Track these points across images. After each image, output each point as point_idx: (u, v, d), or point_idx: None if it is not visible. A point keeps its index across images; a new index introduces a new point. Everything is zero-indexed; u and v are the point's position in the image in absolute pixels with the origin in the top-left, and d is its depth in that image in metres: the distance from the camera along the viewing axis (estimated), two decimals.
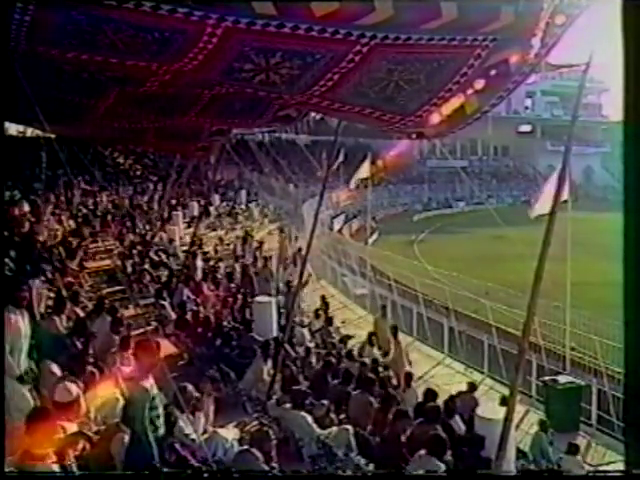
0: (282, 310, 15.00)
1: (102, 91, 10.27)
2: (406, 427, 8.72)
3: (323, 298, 18.72)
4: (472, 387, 12.65)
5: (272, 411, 9.51)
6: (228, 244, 24.31)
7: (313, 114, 24.50)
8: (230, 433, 7.99)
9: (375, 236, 45.08)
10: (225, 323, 13.77)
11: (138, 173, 32.01)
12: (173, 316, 13.72)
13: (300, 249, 21.92)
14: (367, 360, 12.80)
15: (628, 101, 3.26)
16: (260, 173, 40.57)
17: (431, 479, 6.85)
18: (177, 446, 6.71)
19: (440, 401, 10.12)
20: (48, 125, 10.08)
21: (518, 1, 6.36)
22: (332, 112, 9.51)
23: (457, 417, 10.05)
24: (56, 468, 5.31)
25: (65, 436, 5.89)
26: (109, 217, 20.85)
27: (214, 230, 26.44)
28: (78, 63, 7.65)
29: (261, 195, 37.30)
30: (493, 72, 7.60)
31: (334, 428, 8.72)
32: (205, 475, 6.54)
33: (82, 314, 11.58)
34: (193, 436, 7.29)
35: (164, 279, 16.42)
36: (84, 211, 20.85)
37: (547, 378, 14.95)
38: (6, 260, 11.69)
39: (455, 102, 8.12)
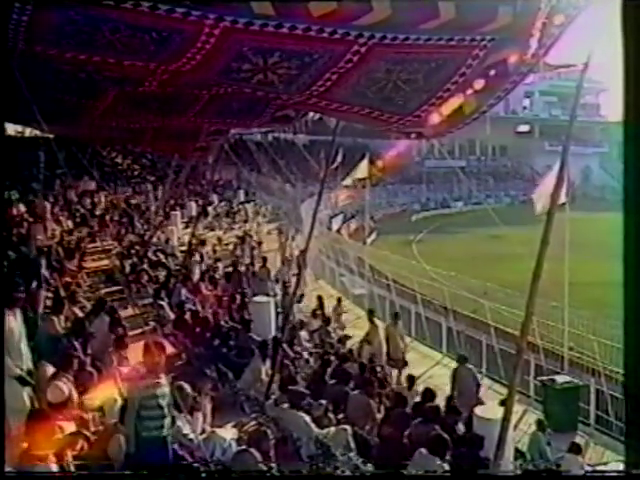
0: (279, 310, 15.01)
1: (100, 91, 10.27)
2: (407, 427, 8.74)
3: (320, 298, 18.71)
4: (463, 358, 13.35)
5: (270, 411, 9.50)
6: (227, 244, 24.31)
7: (311, 114, 24.51)
8: (228, 433, 7.98)
9: (373, 236, 45.07)
10: (223, 323, 13.76)
11: (136, 173, 32.03)
12: (171, 316, 13.71)
13: (303, 252, 21.94)
14: (365, 360, 12.83)
15: (628, 101, 3.25)
16: (258, 173, 40.57)
17: (431, 479, 6.85)
18: (175, 446, 6.70)
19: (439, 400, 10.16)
20: (46, 125, 10.07)
21: (516, 2, 6.37)
22: (330, 112, 9.52)
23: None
24: (55, 468, 5.31)
25: (63, 436, 5.89)
26: (107, 217, 20.86)
27: (212, 230, 26.44)
28: (76, 63, 7.65)
29: (259, 195, 37.29)
30: (491, 72, 7.61)
31: (332, 428, 8.73)
32: (203, 475, 6.53)
33: (80, 314, 11.58)
34: (191, 436, 7.29)
35: (162, 279, 16.41)
36: (82, 211, 20.85)
37: (545, 378, 14.96)
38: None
39: (455, 102, 8.14)
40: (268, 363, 11.28)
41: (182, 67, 7.09)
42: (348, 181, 29.47)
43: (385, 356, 14.68)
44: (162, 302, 14.32)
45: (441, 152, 62.06)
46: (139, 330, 12.40)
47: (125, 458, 6.21)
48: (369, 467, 7.96)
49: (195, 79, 8.15)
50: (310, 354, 13.34)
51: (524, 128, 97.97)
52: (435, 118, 8.47)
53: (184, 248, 19.63)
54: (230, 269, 19.30)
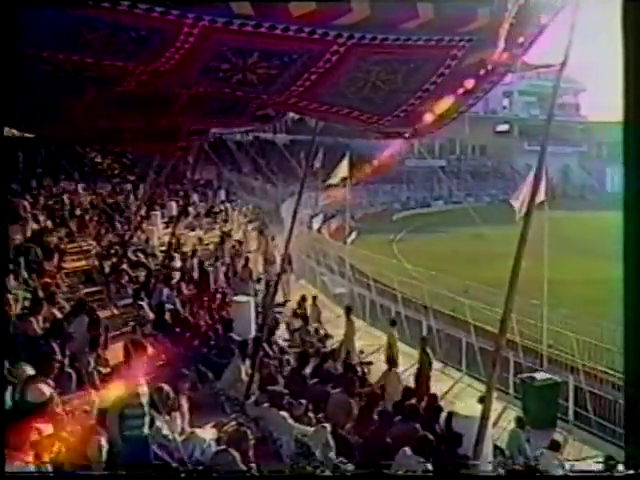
0: (260, 309, 15.02)
1: (79, 91, 10.19)
2: (390, 426, 8.77)
3: (303, 298, 18.73)
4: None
5: (250, 411, 9.50)
6: (207, 244, 24.26)
7: (292, 114, 24.51)
8: (208, 433, 7.97)
9: (354, 235, 45.13)
10: (203, 323, 13.74)
11: (116, 173, 31.86)
12: (151, 316, 13.67)
13: (288, 255, 21.96)
14: (346, 359, 12.88)
15: (628, 101, 3.27)
16: (239, 173, 40.52)
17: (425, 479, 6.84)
18: (154, 447, 6.68)
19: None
20: (25, 125, 10.00)
21: (493, 2, 6.40)
22: (310, 112, 9.51)
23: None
24: (32, 469, 5.28)
25: (40, 438, 5.85)
26: (87, 217, 20.73)
27: (193, 230, 26.36)
28: (54, 62, 7.59)
29: (240, 195, 37.24)
30: (470, 72, 7.65)
31: (312, 427, 8.74)
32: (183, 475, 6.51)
33: (59, 315, 11.51)
34: (170, 437, 7.27)
35: (142, 279, 16.35)
36: (62, 211, 20.71)
37: (524, 375, 15.10)
38: None
39: (446, 102, 8.17)
40: (248, 363, 11.28)
41: (161, 67, 7.05)
42: (333, 180, 29.47)
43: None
44: (142, 302, 14.28)
45: (421, 152, 62.25)
46: (119, 331, 12.37)
47: (109, 457, 6.19)
48: (349, 466, 7.99)
49: (174, 79, 8.11)
50: (290, 353, 13.34)
51: (503, 128, 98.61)
52: (429, 117, 8.50)
53: (164, 248, 19.56)
54: (211, 269, 19.28)
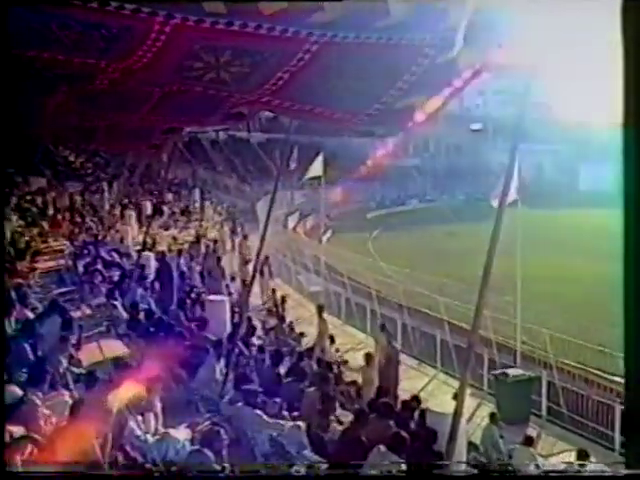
0: (236, 309, 14.99)
1: (50, 88, 10.10)
2: (365, 424, 8.79)
3: (281, 296, 18.77)
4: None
5: (225, 410, 9.48)
6: (182, 243, 24.16)
7: (266, 112, 24.46)
8: (182, 433, 7.95)
9: (329, 234, 45.16)
10: (178, 322, 13.68)
11: (90, 172, 31.58)
12: (125, 316, 13.58)
13: (267, 258, 21.97)
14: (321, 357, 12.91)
15: (628, 102, 3.28)
16: (214, 171, 40.39)
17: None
18: (127, 447, 6.65)
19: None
20: None
21: (466, 2, 6.44)
22: (283, 111, 9.49)
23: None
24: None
25: (12, 440, 5.80)
26: (59, 217, 20.55)
27: (167, 229, 26.24)
28: (25, 60, 7.51)
29: (215, 194, 37.13)
30: (442, 71, 7.69)
31: (286, 425, 8.75)
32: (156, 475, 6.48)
33: (31, 316, 11.41)
34: (143, 437, 7.24)
35: (116, 279, 16.23)
36: (34, 210, 20.51)
37: (498, 371, 15.24)
38: None
39: (420, 101, 8.19)
40: (223, 362, 11.25)
41: (133, 65, 7.01)
42: (305, 179, 29.52)
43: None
44: (116, 302, 14.18)
45: (395, 150, 62.48)
46: (92, 331, 12.29)
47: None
48: (324, 465, 8.00)
49: (147, 77, 8.06)
50: (265, 352, 13.32)
51: (477, 126, 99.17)
52: (421, 116, 8.52)
53: (139, 247, 19.44)
54: (185, 268, 19.19)
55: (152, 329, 12.86)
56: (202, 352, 11.49)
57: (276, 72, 7.04)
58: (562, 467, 9.88)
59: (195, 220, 29.63)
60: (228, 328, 13.57)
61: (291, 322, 17.60)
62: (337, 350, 16.40)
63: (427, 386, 16.18)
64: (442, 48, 7.12)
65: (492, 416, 12.10)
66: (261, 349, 13.18)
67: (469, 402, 12.32)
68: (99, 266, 16.88)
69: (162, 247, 21.59)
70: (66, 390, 8.60)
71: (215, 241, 24.89)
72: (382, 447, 7.57)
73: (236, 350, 11.36)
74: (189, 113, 12.07)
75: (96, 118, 12.68)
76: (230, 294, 17.33)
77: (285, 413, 9.48)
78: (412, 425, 9.62)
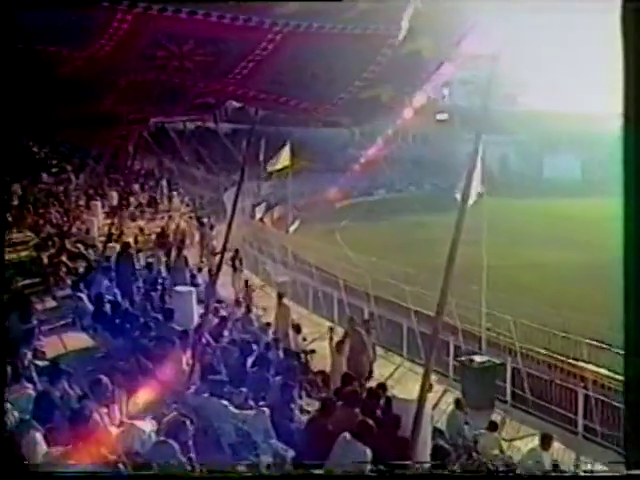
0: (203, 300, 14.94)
1: (12, 78, 9.94)
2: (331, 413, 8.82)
3: (249, 285, 18.78)
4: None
5: (191, 401, 9.47)
6: (149, 234, 24.00)
7: (233, 102, 24.35)
8: (147, 425, 7.93)
9: (297, 224, 45.11)
10: (144, 314, 13.61)
11: (54, 162, 31.16)
12: (90, 308, 13.47)
13: (236, 251, 21.93)
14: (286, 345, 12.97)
15: (628, 102, 3.29)
16: (181, 162, 40.09)
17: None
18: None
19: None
20: None
21: None
22: (249, 100, 9.50)
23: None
24: None
25: None
26: (24, 208, 20.29)
27: (134, 220, 26.04)
28: None
29: (182, 184, 36.88)
30: (407, 61, 7.74)
31: (250, 411, 8.77)
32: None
33: None
34: (108, 429, 7.21)
35: (82, 270, 16.09)
36: None
37: (464, 358, 15.43)
38: None
39: (385, 91, 8.23)
40: (189, 352, 11.23)
41: (96, 53, 6.95)
42: (269, 168, 29.45)
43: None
44: (81, 294, 14.06)
45: (361, 140, 62.58)
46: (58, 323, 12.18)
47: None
48: (291, 453, 8.05)
49: (111, 66, 7.99)
50: (232, 342, 13.32)
51: (443, 116, 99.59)
52: (356, 107, 8.56)
53: (104, 239, 19.27)
54: (151, 259, 19.10)
55: (117, 321, 12.79)
56: (168, 343, 11.45)
57: (240, 61, 7.03)
58: (563, 468, 10.14)
59: (162, 211, 29.43)
60: (195, 319, 13.54)
61: (257, 312, 17.61)
62: (304, 339, 16.44)
63: (394, 374, 16.31)
64: (407, 38, 7.18)
65: (457, 402, 12.25)
66: (229, 340, 13.18)
67: (435, 388, 12.45)
68: (64, 258, 16.72)
69: (129, 238, 21.44)
70: (30, 383, 8.52)
71: (182, 232, 24.76)
72: (347, 435, 7.62)
73: (203, 341, 11.34)
74: (154, 103, 11.97)
75: (59, 108, 12.51)
76: (196, 285, 17.27)
77: (251, 403, 9.50)
78: (378, 412, 9.69)
